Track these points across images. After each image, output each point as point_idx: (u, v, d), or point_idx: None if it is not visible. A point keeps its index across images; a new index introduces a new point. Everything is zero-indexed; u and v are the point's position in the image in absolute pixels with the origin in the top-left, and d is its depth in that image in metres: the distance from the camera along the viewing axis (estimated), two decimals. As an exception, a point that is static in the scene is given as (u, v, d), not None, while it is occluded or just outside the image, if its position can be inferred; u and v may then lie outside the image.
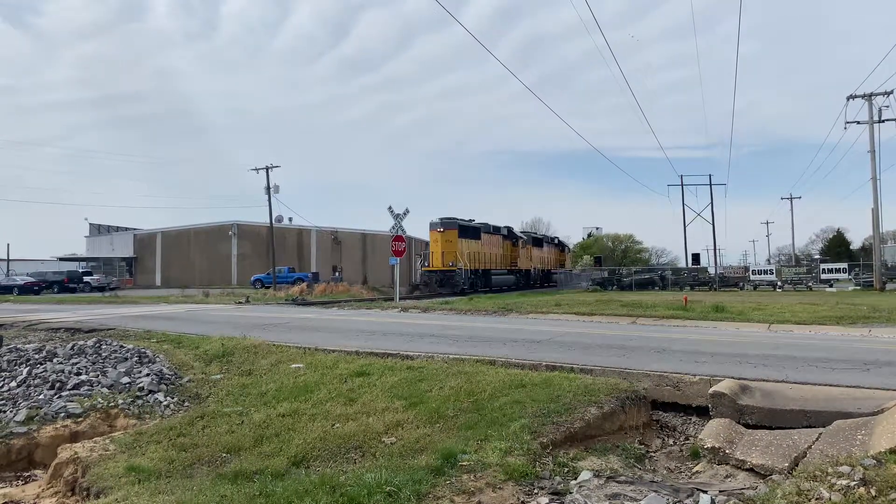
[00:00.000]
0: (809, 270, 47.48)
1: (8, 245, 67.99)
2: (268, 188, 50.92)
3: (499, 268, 48.63)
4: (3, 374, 9.68)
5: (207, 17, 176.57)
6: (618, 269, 57.36)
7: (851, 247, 79.83)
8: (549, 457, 5.92)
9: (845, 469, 4.58)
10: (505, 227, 51.47)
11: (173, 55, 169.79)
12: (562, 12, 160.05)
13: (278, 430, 6.83)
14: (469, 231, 43.90)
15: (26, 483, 6.84)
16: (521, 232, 56.96)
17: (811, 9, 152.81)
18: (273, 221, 53.10)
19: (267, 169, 50.83)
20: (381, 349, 11.34)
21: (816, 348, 11.37)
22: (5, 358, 10.50)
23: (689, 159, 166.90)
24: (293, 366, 10.00)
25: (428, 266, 42.87)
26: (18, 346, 12.21)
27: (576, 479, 5.41)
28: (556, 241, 71.09)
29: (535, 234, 64.35)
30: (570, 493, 5.07)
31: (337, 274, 58.41)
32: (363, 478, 5.07)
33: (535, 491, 5.16)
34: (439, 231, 41.84)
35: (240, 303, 29.09)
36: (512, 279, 50.23)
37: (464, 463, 5.45)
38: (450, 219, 42.48)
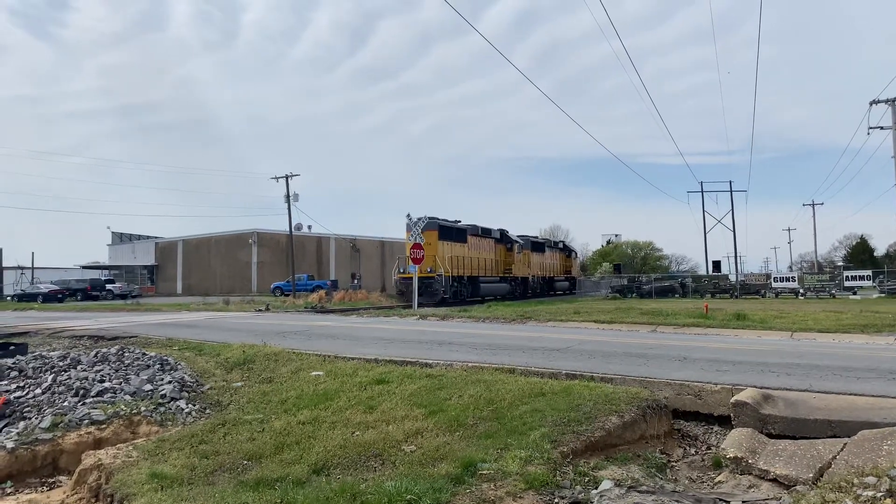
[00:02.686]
0: (832, 278, 46.91)
1: (32, 253, 68.92)
2: (287, 196, 51.27)
3: (489, 274, 43.29)
4: (29, 381, 9.82)
5: (227, 26, 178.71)
6: (637, 277, 57.02)
7: (875, 254, 78.77)
8: (569, 466, 5.89)
9: (871, 480, 4.52)
10: (498, 229, 46.33)
11: (193, 64, 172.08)
12: (579, 19, 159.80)
13: (299, 437, 6.86)
14: (452, 233, 38.87)
15: (51, 489, 6.92)
16: (519, 236, 50.27)
17: (833, 12, 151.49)
18: (292, 229, 53.44)
19: (287, 177, 51.25)
20: (400, 357, 11.36)
21: (840, 357, 11.22)
22: (31, 365, 10.66)
23: (709, 165, 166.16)
24: (313, 373, 10.05)
25: (404, 272, 37.72)
26: (43, 353, 12.40)
27: (596, 488, 5.38)
28: (560, 245, 64.49)
29: (536, 237, 56.53)
30: (591, 502, 5.05)
31: (355, 281, 58.63)
32: (383, 486, 5.08)
33: (556, 500, 5.14)
34: None
35: (260, 310, 29.27)
36: (505, 288, 44.88)
37: (484, 472, 5.44)
38: (429, 218, 37.82)
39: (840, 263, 76.34)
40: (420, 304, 32.08)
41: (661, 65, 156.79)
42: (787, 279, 47.92)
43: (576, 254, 71.18)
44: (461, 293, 38.34)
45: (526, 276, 49.77)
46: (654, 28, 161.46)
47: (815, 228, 76.13)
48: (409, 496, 4.82)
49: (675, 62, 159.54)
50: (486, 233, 43.90)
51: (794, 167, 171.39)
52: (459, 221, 40.87)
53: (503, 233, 46.69)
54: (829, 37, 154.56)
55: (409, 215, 34.40)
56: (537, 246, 53.97)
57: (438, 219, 37.94)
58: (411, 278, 36.01)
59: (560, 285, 58.06)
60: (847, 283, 43.93)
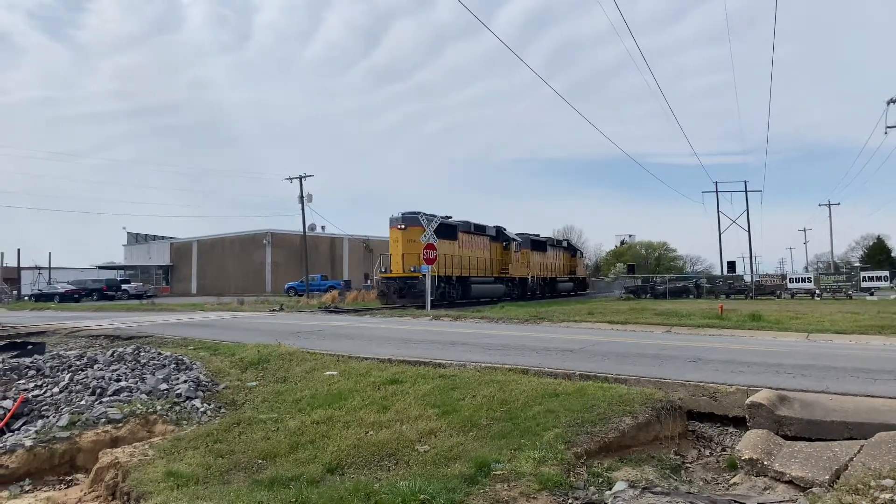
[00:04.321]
0: (849, 278, 46.39)
1: (49, 254, 69.98)
2: (301, 197, 51.46)
3: (483, 275, 39.78)
4: (47, 379, 9.93)
5: (241, 28, 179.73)
6: (651, 277, 56.64)
7: (893, 254, 77.99)
8: (583, 467, 5.89)
9: (888, 482, 4.48)
10: (494, 226, 42.85)
11: (207, 66, 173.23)
12: (593, 18, 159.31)
13: (313, 437, 6.90)
14: (441, 229, 35.10)
15: (69, 487, 6.99)
16: (518, 234, 46.80)
17: (850, 11, 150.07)
18: (306, 230, 53.61)
19: (300, 178, 51.44)
20: (413, 357, 11.38)
21: (857, 358, 11.12)
22: (48, 364, 10.76)
23: (724, 165, 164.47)
24: (327, 373, 10.09)
25: (386, 272, 34.97)
26: (60, 352, 12.53)
27: (610, 489, 5.37)
28: (564, 244, 60.89)
29: (537, 235, 52.20)
30: (605, 503, 5.04)
31: (369, 282, 58.63)
32: (397, 486, 5.10)
33: (570, 501, 5.14)
34: (400, 228, 33.91)
35: (274, 310, 29.41)
36: (501, 289, 41.28)
37: (497, 472, 5.44)
38: (414, 213, 34.69)
39: (857, 264, 75.59)
40: (405, 308, 30.51)
41: (676, 65, 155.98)
42: (803, 280, 47.53)
43: (581, 253, 68.22)
44: (449, 294, 35.32)
45: (525, 277, 46.52)
46: (668, 28, 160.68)
47: (831, 229, 75.82)
48: (422, 496, 4.83)
49: (689, 62, 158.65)
50: (479, 230, 40.66)
51: (811, 167, 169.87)
52: (451, 217, 37.76)
53: (500, 230, 43.60)
54: (847, 36, 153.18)
55: (426, 215, 34.18)
56: (538, 244, 50.60)
57: (424, 213, 35.20)
58: (393, 278, 34.04)
59: (563, 286, 55.40)
60: (864, 284, 43.50)
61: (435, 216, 34.25)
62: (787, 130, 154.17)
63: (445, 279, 34.92)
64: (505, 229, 44.47)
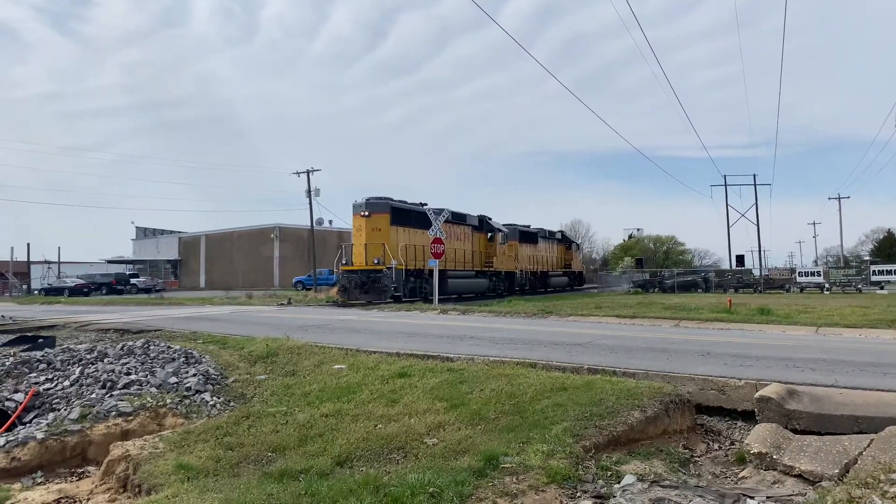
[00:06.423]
0: (859, 272, 46.12)
1: (59, 248, 70.25)
2: (309, 191, 51.46)
3: (462, 268, 35.65)
4: (57, 373, 10.00)
5: (247, 22, 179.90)
6: (660, 271, 56.50)
7: (903, 248, 77.48)
8: (591, 460, 5.89)
9: (899, 476, 4.46)
10: (477, 215, 38.77)
11: (214, 60, 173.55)
12: (601, 11, 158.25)
13: (322, 430, 6.92)
14: (410, 217, 31.67)
15: (80, 479, 7.04)
16: (506, 224, 42.91)
17: (859, 2, 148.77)
18: (314, 224, 53.66)
19: (308, 172, 51.43)
20: (421, 351, 11.40)
21: (867, 352, 11.07)
22: (59, 358, 10.84)
23: (733, 159, 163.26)
24: (336, 367, 10.12)
25: (348, 264, 31.33)
26: (71, 346, 12.62)
27: (619, 482, 5.38)
28: (559, 235, 56.25)
29: (527, 227, 47.36)
30: (614, 496, 5.04)
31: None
32: (406, 478, 5.11)
33: (578, 494, 5.14)
34: (363, 216, 30.44)
35: (282, 304, 29.47)
36: (483, 284, 37.69)
37: (506, 465, 5.45)
38: (379, 199, 31.15)
39: (867, 257, 75.15)
40: (372, 304, 28.43)
41: (685, 57, 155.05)
42: (813, 274, 47.29)
43: (578, 245, 64.65)
44: (422, 289, 31.70)
45: (512, 271, 42.31)
46: (677, 20, 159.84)
47: (840, 222, 74.92)
48: (431, 489, 4.85)
49: (698, 54, 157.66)
50: (458, 219, 36.14)
51: (820, 160, 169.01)
52: (426, 204, 33.39)
53: (483, 220, 39.47)
54: (856, 28, 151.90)
55: (434, 209, 33.91)
56: (527, 236, 46.30)
57: (392, 199, 31.72)
58: (355, 271, 30.65)
59: (557, 281, 51.67)
60: (874, 278, 43.24)
61: (443, 215, 33.89)
62: (797, 123, 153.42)
63: (416, 273, 31.28)
64: (490, 219, 40.57)
